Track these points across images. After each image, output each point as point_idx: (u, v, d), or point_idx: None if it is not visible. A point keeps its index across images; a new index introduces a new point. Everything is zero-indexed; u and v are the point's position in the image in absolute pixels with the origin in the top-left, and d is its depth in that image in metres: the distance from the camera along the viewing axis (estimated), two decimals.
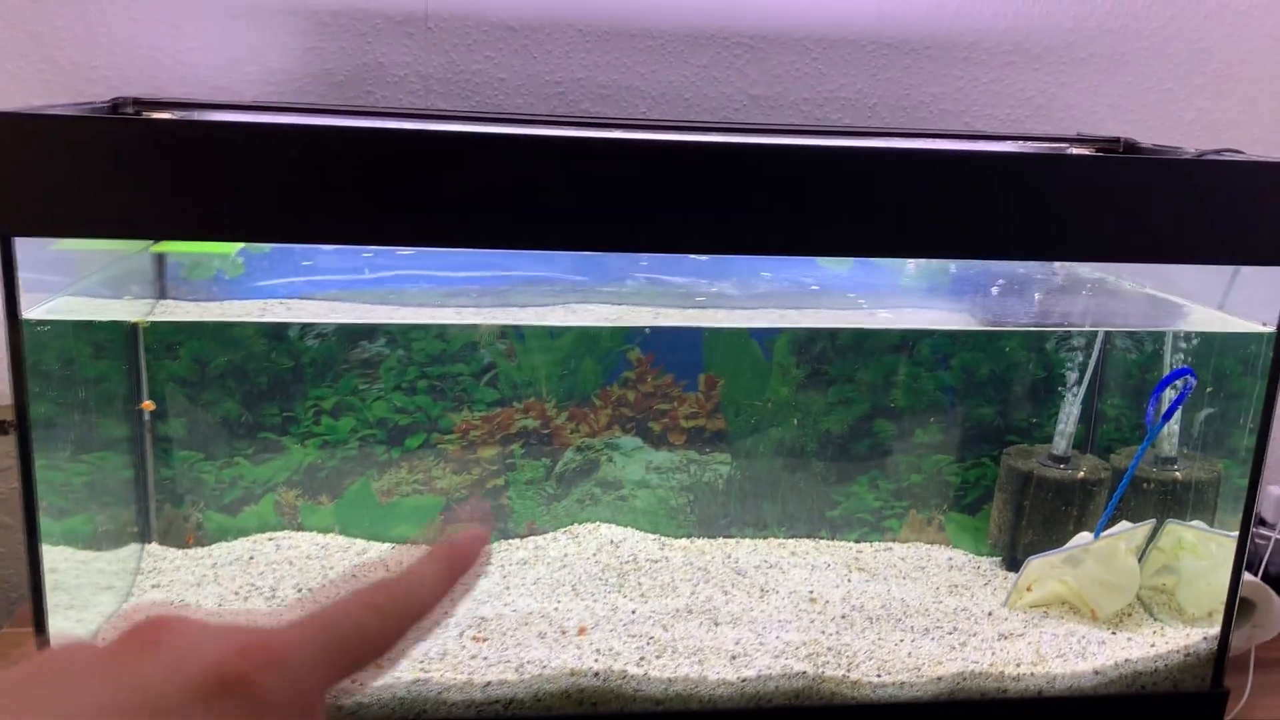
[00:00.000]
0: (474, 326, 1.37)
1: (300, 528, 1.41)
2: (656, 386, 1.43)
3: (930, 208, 1.03)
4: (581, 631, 1.24)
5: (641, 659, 1.19)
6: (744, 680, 1.17)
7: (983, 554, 1.48)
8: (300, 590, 1.30)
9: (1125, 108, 1.57)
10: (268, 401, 1.37)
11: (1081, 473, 1.38)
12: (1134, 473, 1.32)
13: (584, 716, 1.15)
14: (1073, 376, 1.39)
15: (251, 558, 1.35)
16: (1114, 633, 1.29)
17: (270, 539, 1.39)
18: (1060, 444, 1.39)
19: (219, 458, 1.38)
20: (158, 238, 1.14)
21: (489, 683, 1.12)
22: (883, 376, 1.44)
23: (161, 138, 0.94)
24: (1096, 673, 1.23)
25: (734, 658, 1.20)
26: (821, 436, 1.45)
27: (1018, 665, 1.23)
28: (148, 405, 1.33)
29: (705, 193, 0.99)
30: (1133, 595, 1.31)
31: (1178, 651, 1.25)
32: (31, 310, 0.98)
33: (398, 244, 1.05)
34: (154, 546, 1.37)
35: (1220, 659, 1.26)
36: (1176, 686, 1.26)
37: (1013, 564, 1.42)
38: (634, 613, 1.28)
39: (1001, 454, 1.44)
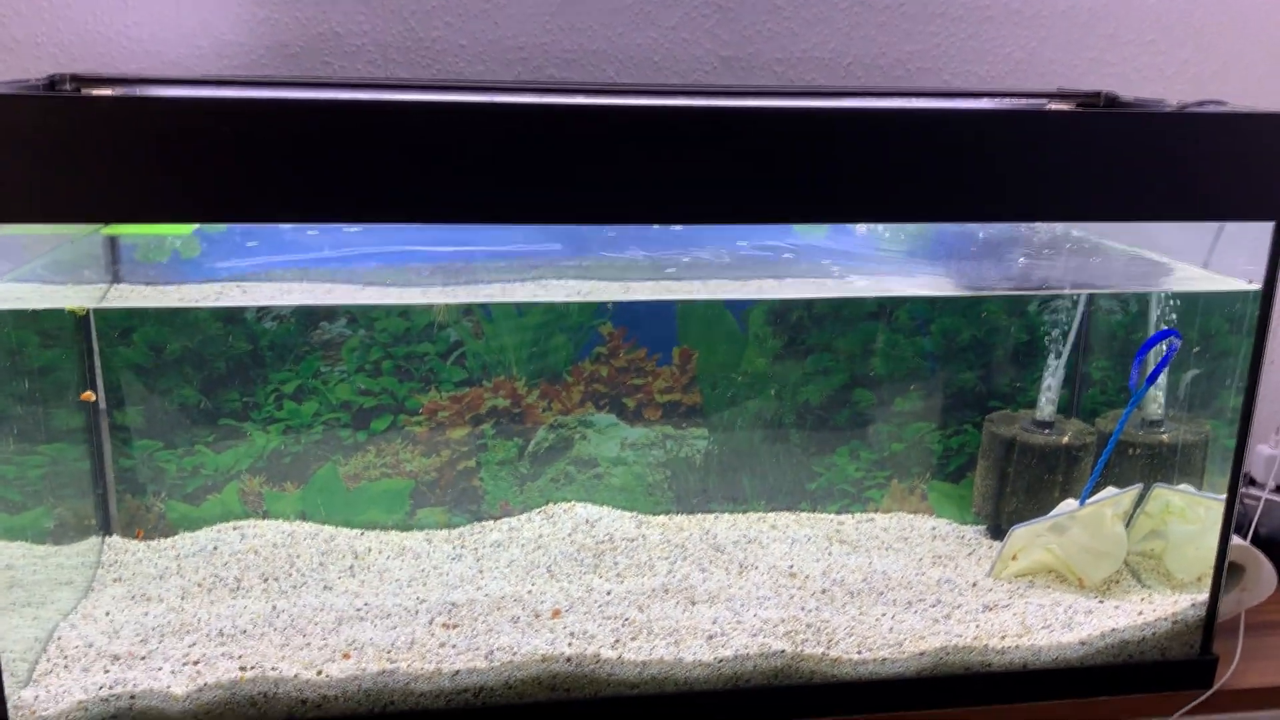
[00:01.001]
0: (436, 306, 1.32)
1: (266, 515, 1.37)
2: (630, 361, 1.38)
3: (907, 169, 0.99)
4: (555, 614, 1.21)
5: (616, 641, 1.16)
6: (721, 661, 1.14)
7: (966, 522, 1.45)
8: (266, 580, 1.27)
9: (1107, 61, 1.52)
10: (227, 387, 1.33)
11: (1066, 438, 1.34)
12: (1119, 437, 1.29)
13: (556, 703, 1.12)
14: (1056, 340, 1.35)
15: (215, 548, 1.32)
16: (1101, 601, 1.26)
17: (235, 528, 1.35)
18: (1044, 409, 1.35)
19: (179, 446, 1.34)
20: (100, 220, 1.09)
21: (457, 671, 1.09)
22: (861, 344, 1.40)
23: (97, 115, 0.89)
24: (1083, 643, 1.20)
25: (711, 637, 1.17)
26: (800, 407, 1.41)
27: (1002, 638, 1.20)
28: (88, 396, 1.29)
29: (677, 160, 0.95)
30: (1120, 562, 1.28)
31: (1165, 619, 1.22)
32: None
33: (354, 220, 1.01)
34: (115, 539, 1.33)
35: (1209, 625, 1.23)
36: (1164, 654, 1.23)
37: (997, 532, 1.39)
38: (609, 593, 1.25)
39: (984, 420, 1.40)
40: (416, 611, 1.20)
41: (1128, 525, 1.29)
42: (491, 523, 1.40)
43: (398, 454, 1.38)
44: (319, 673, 1.07)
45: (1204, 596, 1.22)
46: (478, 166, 0.92)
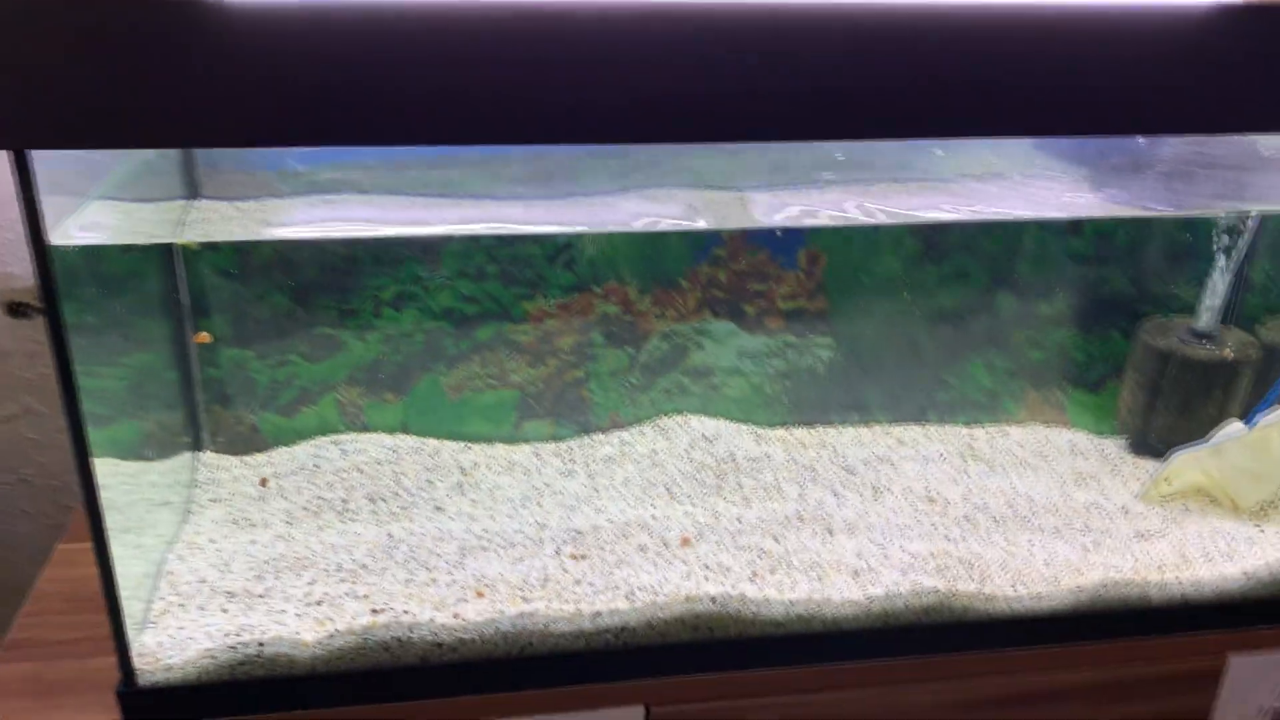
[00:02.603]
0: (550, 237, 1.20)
1: (365, 428, 1.29)
2: (751, 264, 1.27)
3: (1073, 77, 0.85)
4: (685, 543, 1.14)
5: (754, 575, 1.09)
6: (871, 599, 1.07)
7: (1105, 435, 1.36)
8: (374, 501, 1.20)
9: None
10: (321, 293, 1.22)
11: (1228, 350, 1.24)
12: None
13: (699, 643, 1.06)
14: (1224, 246, 1.23)
15: (316, 465, 1.24)
16: (1260, 529, 1.19)
17: (334, 443, 1.27)
18: (1205, 318, 1.25)
19: (271, 356, 1.24)
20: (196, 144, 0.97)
21: (599, 612, 1.03)
22: (1004, 246, 1.28)
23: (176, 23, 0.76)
24: (1246, 575, 1.14)
25: (856, 573, 1.10)
26: (934, 313, 1.31)
27: (1160, 570, 1.13)
28: (203, 337, 1.19)
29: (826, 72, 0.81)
30: (1278, 484, 1.20)
31: None
32: (58, 230, 0.83)
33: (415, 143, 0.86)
34: (208, 455, 1.26)
35: None
36: None
37: (1142, 448, 1.31)
38: (739, 520, 1.17)
39: (1136, 329, 1.29)
40: (541, 540, 1.13)
41: None
42: (601, 435, 1.32)
43: (502, 364, 1.28)
44: (455, 615, 1.01)
45: None
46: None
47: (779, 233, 1.24)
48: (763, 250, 1.26)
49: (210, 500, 1.19)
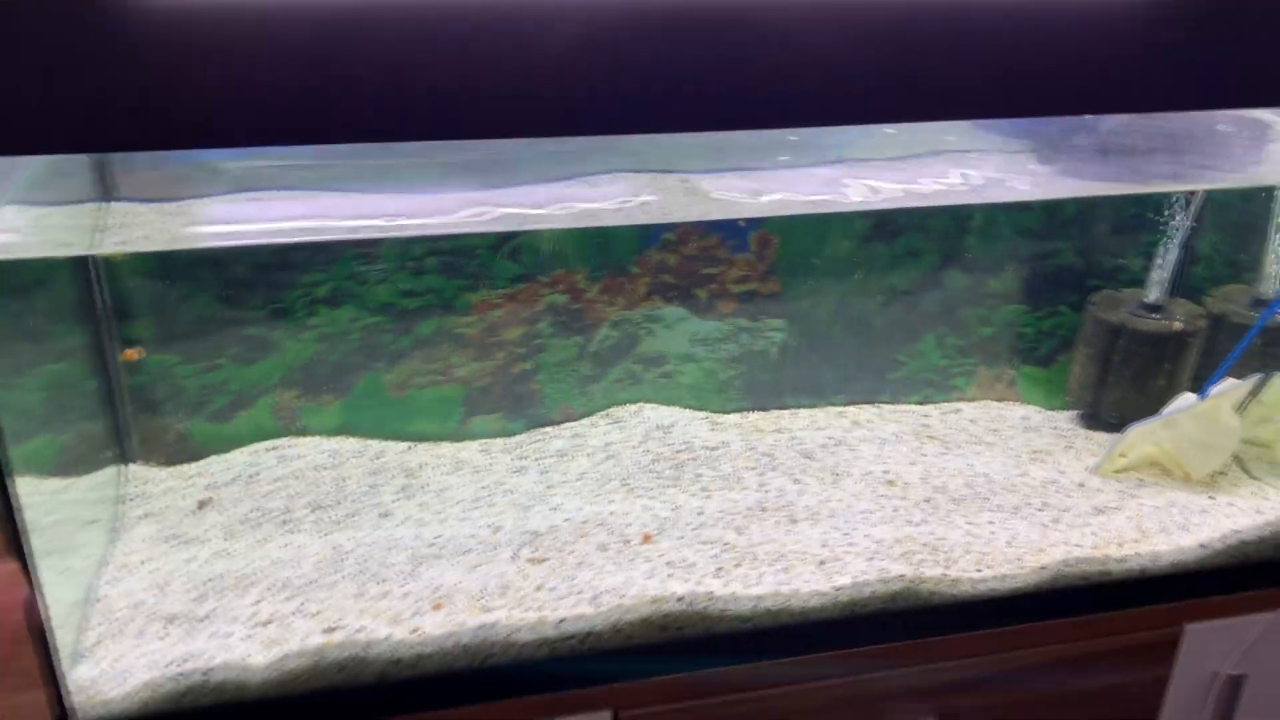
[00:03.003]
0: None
1: (304, 432, 1.23)
2: (702, 249, 1.24)
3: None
4: (646, 539, 1.11)
5: (719, 569, 1.07)
6: (838, 589, 1.06)
7: (1055, 408, 1.36)
8: (316, 509, 1.14)
9: None
10: (251, 293, 1.16)
11: (1178, 323, 1.25)
12: (1264, 325, 1.18)
13: (667, 643, 1.03)
14: (1173, 219, 1.23)
15: (254, 474, 1.18)
16: (1212, 498, 1.20)
17: (271, 448, 1.21)
18: (1154, 291, 1.25)
19: (199, 360, 1.17)
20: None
21: (563, 619, 0.99)
22: (956, 223, 1.27)
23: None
24: (1202, 545, 1.14)
25: (822, 563, 1.08)
26: (886, 292, 1.29)
27: (1120, 545, 1.13)
28: (131, 354, 1.12)
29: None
30: (1229, 454, 1.21)
31: None
32: None
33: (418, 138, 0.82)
34: (136, 468, 1.19)
35: None
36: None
37: (1094, 421, 1.31)
38: (701, 513, 1.15)
39: (1086, 303, 1.29)
40: (496, 544, 1.09)
41: (1239, 414, 1.21)
42: (552, 428, 1.28)
43: (447, 359, 1.23)
44: (414, 631, 0.96)
45: None
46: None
47: (742, 223, 1.21)
48: (714, 234, 1.23)
49: (141, 516, 1.13)
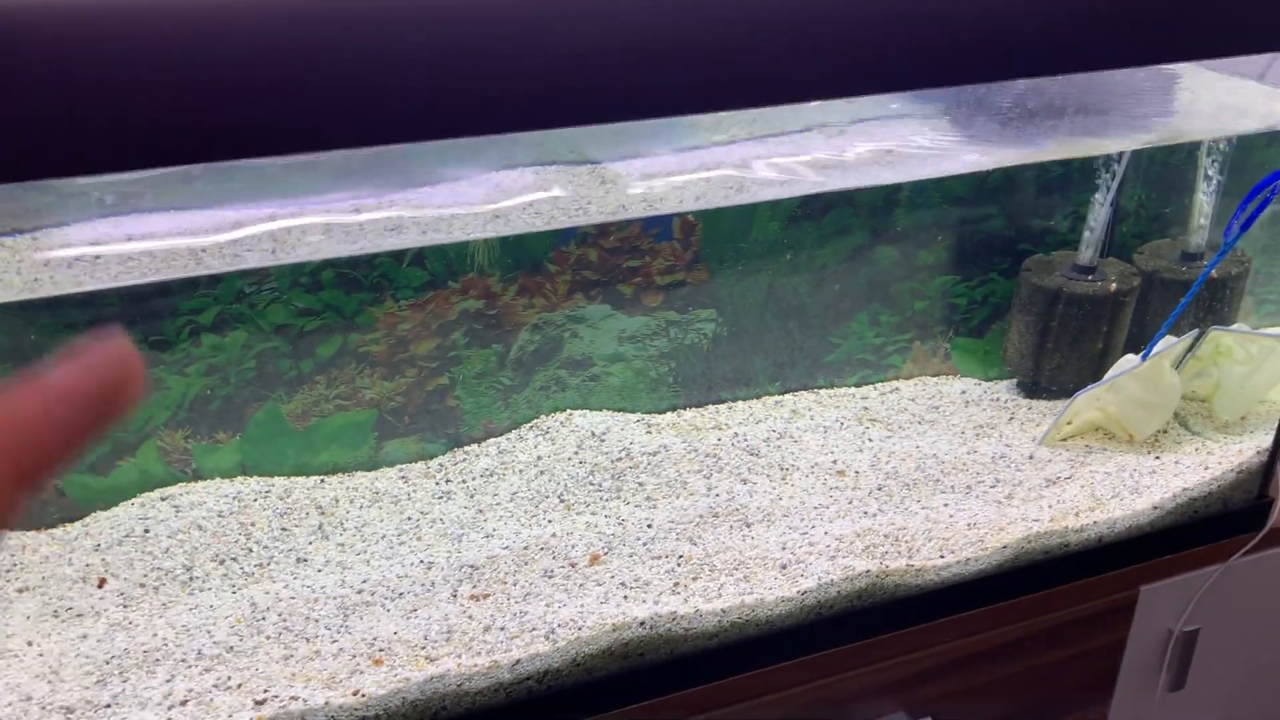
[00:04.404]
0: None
1: (198, 475, 1.10)
2: (622, 239, 1.16)
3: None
4: (594, 560, 1.03)
5: (676, 584, 0.99)
6: (803, 593, 1.00)
7: (991, 378, 1.33)
8: (224, 562, 1.02)
9: None
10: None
11: (1113, 284, 1.22)
12: (1202, 281, 1.16)
13: (629, 671, 0.95)
14: (1102, 177, 1.20)
15: (147, 530, 1.05)
16: (1157, 458, 1.18)
17: (163, 498, 1.08)
18: (1087, 253, 1.22)
19: None
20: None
21: (517, 660, 0.90)
22: (883, 196, 1.21)
23: None
24: (1155, 507, 1.12)
25: (784, 566, 1.02)
26: (816, 272, 1.23)
27: (1076, 515, 1.11)
28: None
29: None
30: (1171, 412, 1.20)
31: (1230, 470, 1.15)
32: None
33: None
34: (5, 536, 1.04)
35: (1269, 469, 1.17)
36: (1226, 505, 1.17)
37: (1033, 390, 1.28)
38: (649, 525, 1.07)
39: (1020, 269, 1.26)
40: (432, 583, 0.99)
41: (1177, 370, 1.20)
42: (475, 446, 1.18)
43: (353, 381, 1.12)
44: (355, 693, 0.86)
45: (1268, 441, 1.15)
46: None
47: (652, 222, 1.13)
48: (633, 223, 1.15)
49: (19, 591, 0.99)
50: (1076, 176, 1.24)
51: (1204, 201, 1.22)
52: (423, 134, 0.65)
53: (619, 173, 1.04)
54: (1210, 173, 1.20)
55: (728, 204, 1.09)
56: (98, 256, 0.90)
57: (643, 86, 0.69)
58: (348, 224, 0.91)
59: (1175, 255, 1.25)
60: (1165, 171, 1.27)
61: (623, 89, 0.69)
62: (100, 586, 0.98)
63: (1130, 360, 1.18)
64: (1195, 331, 1.17)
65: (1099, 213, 1.20)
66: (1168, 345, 1.16)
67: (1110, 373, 1.18)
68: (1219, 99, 1.18)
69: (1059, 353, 1.23)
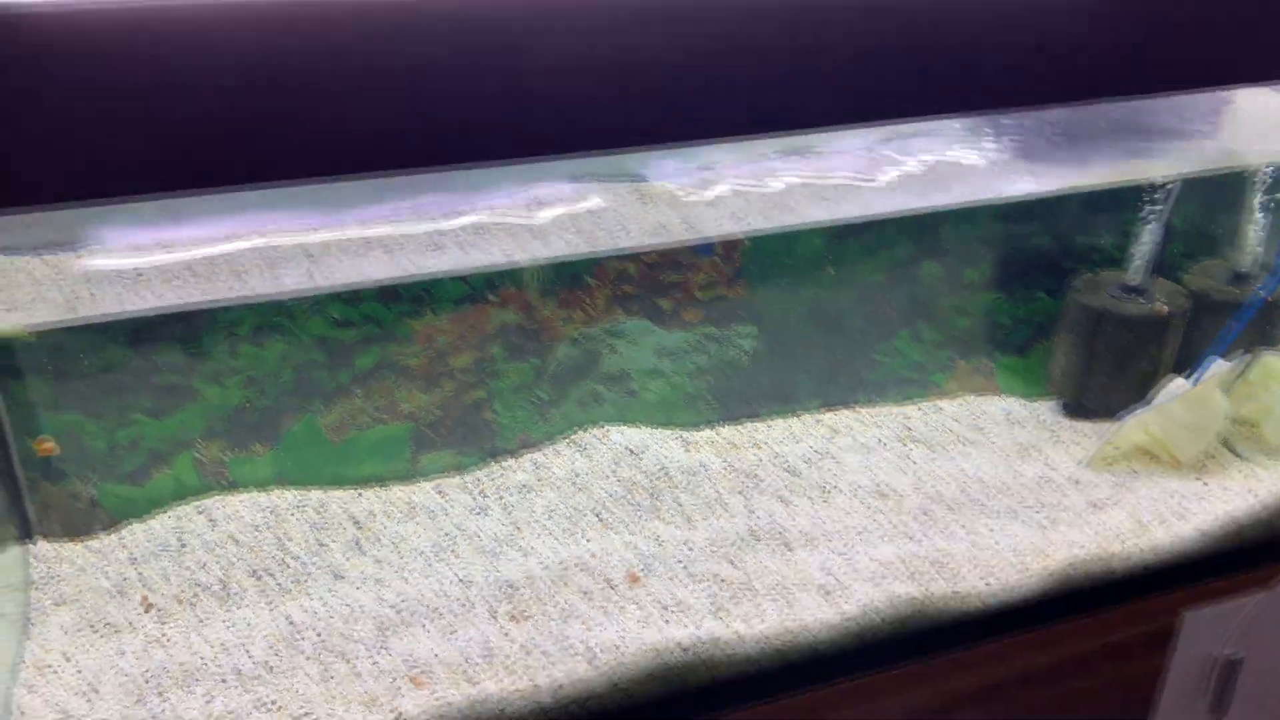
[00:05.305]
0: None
1: (234, 487, 1.09)
2: (663, 254, 1.14)
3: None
4: (633, 580, 1.02)
5: (717, 608, 0.98)
6: (846, 618, 0.98)
7: (1034, 398, 1.31)
8: (259, 577, 1.01)
9: None
10: (161, 336, 1.02)
11: (1162, 304, 1.19)
12: (1261, 304, 1.14)
13: (669, 695, 0.94)
14: (1155, 200, 1.17)
15: (182, 543, 1.04)
16: (1204, 483, 1.16)
17: (199, 510, 1.07)
18: (1137, 273, 1.19)
19: (107, 415, 1.03)
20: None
21: (559, 684, 0.89)
22: (926, 213, 1.19)
23: None
24: (1201, 533, 1.10)
25: (828, 592, 1.00)
26: (859, 288, 1.21)
27: (1121, 540, 1.09)
28: (47, 448, 0.97)
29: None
30: (1215, 435, 1.18)
31: (1277, 496, 1.13)
32: None
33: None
34: (42, 545, 1.04)
35: None
36: (1273, 531, 1.15)
37: (1077, 411, 1.26)
38: (688, 545, 1.05)
39: (1067, 288, 1.23)
40: (470, 602, 0.98)
41: (1226, 394, 1.18)
42: (512, 460, 1.17)
43: (390, 393, 1.11)
44: (395, 715, 0.85)
45: None
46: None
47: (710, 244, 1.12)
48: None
49: (55, 604, 0.98)
50: (1126, 195, 1.22)
51: (1258, 221, 1.19)
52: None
53: (659, 189, 1.03)
54: (1263, 192, 1.18)
55: (802, 226, 1.08)
56: (139, 272, 0.89)
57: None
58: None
59: (1226, 275, 1.23)
60: (1216, 190, 1.24)
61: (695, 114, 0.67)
62: (146, 611, 0.97)
63: (1179, 384, 1.16)
64: (1245, 355, 1.15)
65: (1149, 232, 1.17)
66: (1217, 369, 1.14)
67: (1159, 396, 1.16)
68: (1273, 118, 1.16)
69: (1104, 372, 1.21)
